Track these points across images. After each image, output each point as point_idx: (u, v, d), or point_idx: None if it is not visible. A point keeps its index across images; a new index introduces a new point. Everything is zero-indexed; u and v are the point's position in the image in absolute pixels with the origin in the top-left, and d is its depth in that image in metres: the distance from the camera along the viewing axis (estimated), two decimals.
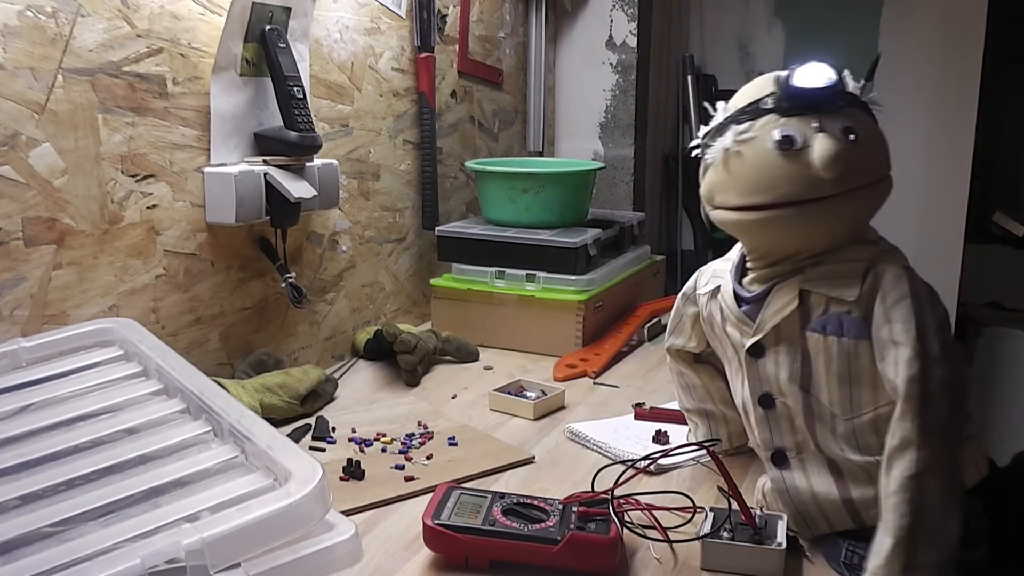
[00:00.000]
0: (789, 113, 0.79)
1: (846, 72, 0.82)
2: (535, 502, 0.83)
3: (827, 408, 0.82)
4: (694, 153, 0.88)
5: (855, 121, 0.79)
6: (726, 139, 0.82)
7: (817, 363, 0.82)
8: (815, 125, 0.78)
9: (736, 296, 0.88)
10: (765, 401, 0.86)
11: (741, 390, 0.89)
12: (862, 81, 0.83)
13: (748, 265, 0.88)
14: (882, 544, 0.71)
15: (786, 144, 0.78)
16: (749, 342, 0.85)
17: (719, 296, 0.91)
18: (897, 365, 0.75)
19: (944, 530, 0.70)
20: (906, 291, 0.76)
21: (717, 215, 0.85)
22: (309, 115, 1.18)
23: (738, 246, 0.91)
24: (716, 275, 0.93)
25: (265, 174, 1.14)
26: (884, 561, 0.70)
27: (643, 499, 0.86)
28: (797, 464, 0.85)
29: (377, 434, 1.08)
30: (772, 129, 0.79)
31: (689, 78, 2.08)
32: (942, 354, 0.74)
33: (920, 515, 0.70)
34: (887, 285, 0.77)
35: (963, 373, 0.76)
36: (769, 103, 0.81)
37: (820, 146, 0.76)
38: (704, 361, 1.01)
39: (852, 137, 0.78)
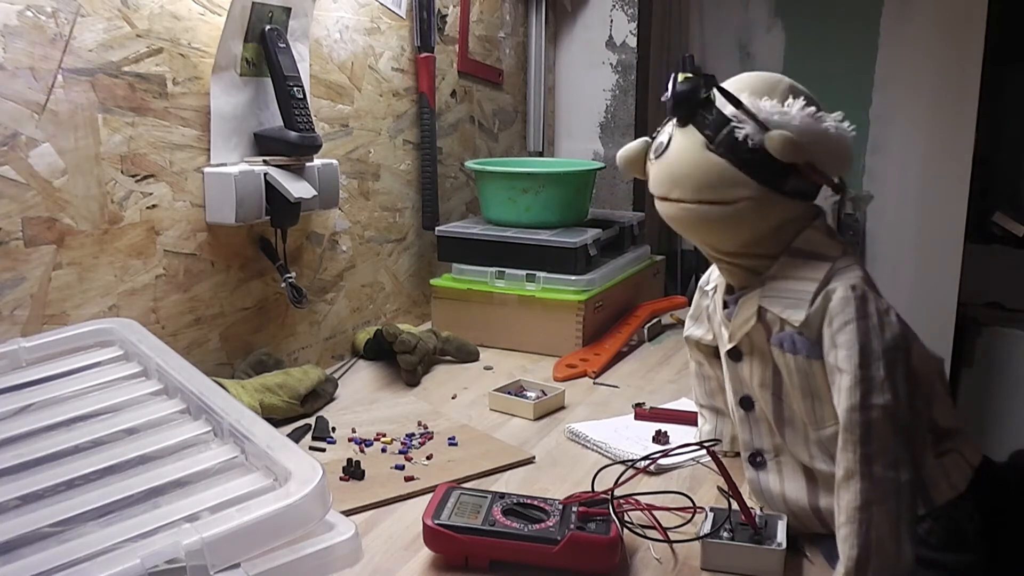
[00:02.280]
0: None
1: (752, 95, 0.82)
2: (535, 502, 0.83)
3: (798, 415, 0.83)
4: None
5: (675, 136, 0.82)
6: None
7: (784, 374, 0.83)
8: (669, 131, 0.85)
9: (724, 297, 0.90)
10: (745, 403, 0.88)
11: (728, 390, 0.91)
12: (768, 101, 0.80)
13: None
14: (837, 574, 0.73)
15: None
16: (727, 346, 0.87)
17: (717, 295, 0.92)
18: (839, 393, 0.75)
19: (895, 558, 0.71)
20: (851, 315, 0.76)
21: None
22: (309, 115, 1.18)
23: None
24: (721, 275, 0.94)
25: (265, 174, 1.14)
26: None
27: (643, 499, 0.86)
28: (773, 466, 0.86)
29: (377, 434, 1.08)
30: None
31: None
32: (887, 380, 0.73)
33: (867, 546, 0.72)
34: (834, 309, 0.77)
35: (916, 398, 0.75)
36: None
37: None
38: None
39: (658, 150, 0.84)
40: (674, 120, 0.83)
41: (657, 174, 0.85)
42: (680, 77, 0.81)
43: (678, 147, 0.82)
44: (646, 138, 0.88)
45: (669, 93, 0.82)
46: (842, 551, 0.73)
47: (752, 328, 0.83)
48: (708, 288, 0.97)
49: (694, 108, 0.80)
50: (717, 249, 0.86)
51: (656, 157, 0.84)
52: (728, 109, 0.79)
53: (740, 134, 0.77)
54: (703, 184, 0.80)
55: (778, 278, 0.82)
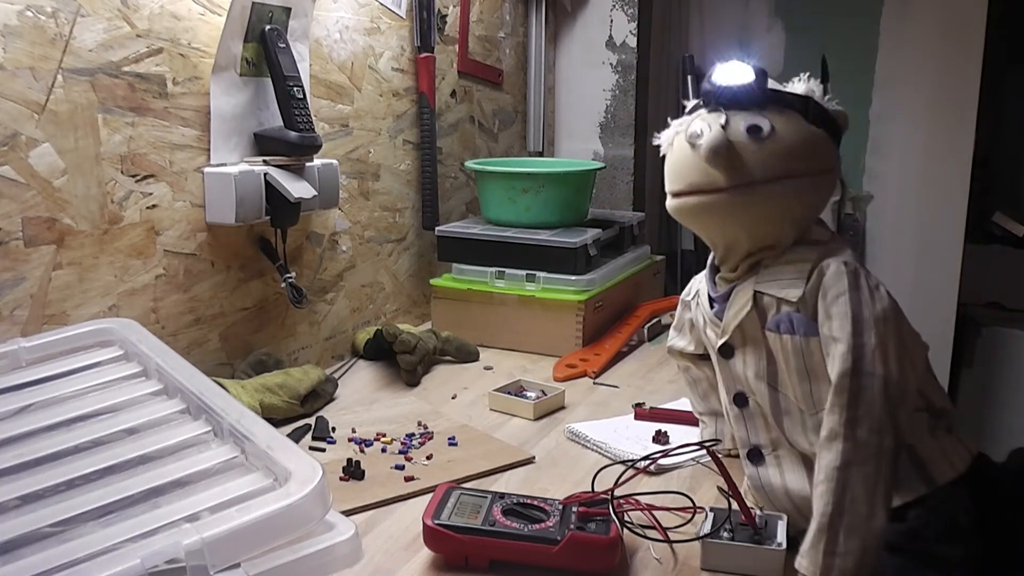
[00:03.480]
0: (711, 108, 0.83)
1: (806, 76, 0.85)
2: (535, 502, 0.83)
3: (794, 404, 0.84)
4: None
5: (771, 120, 0.81)
6: (670, 130, 0.88)
7: (779, 361, 0.83)
8: (722, 121, 0.81)
9: (710, 298, 0.90)
10: (739, 400, 0.88)
11: (721, 390, 0.91)
12: (817, 82, 0.85)
13: (716, 263, 0.91)
14: (810, 529, 0.74)
15: (693, 137, 0.82)
16: (718, 343, 0.87)
17: (699, 300, 0.93)
18: (833, 360, 0.77)
19: (867, 519, 0.72)
20: (844, 287, 0.78)
21: (667, 202, 0.90)
22: (309, 115, 1.18)
23: None
24: (702, 280, 0.95)
25: (265, 174, 1.14)
26: (809, 545, 0.74)
27: (643, 499, 0.86)
28: (772, 461, 0.87)
29: (377, 434, 1.08)
30: (692, 122, 0.84)
31: (689, 78, 2.08)
32: (877, 349, 0.75)
33: (842, 504, 0.72)
34: (827, 282, 0.79)
35: (905, 368, 0.76)
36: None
37: (705, 139, 0.80)
38: (707, 356, 1.02)
39: (759, 134, 0.81)
40: (721, 110, 0.82)
41: (773, 153, 0.81)
42: (734, 65, 0.83)
43: (789, 126, 0.81)
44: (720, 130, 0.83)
45: (751, 76, 0.82)
46: (816, 508, 0.74)
47: (746, 316, 0.84)
48: (689, 299, 0.98)
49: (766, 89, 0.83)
50: (732, 241, 0.85)
51: (763, 137, 0.81)
52: (799, 87, 0.83)
53: (826, 106, 0.82)
54: (812, 154, 0.82)
55: (771, 265, 0.84)
